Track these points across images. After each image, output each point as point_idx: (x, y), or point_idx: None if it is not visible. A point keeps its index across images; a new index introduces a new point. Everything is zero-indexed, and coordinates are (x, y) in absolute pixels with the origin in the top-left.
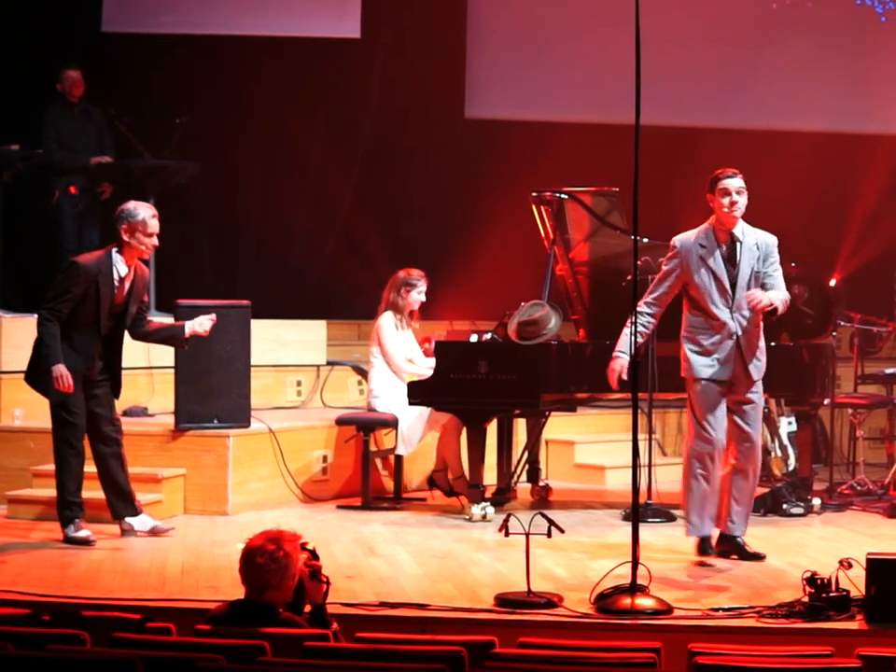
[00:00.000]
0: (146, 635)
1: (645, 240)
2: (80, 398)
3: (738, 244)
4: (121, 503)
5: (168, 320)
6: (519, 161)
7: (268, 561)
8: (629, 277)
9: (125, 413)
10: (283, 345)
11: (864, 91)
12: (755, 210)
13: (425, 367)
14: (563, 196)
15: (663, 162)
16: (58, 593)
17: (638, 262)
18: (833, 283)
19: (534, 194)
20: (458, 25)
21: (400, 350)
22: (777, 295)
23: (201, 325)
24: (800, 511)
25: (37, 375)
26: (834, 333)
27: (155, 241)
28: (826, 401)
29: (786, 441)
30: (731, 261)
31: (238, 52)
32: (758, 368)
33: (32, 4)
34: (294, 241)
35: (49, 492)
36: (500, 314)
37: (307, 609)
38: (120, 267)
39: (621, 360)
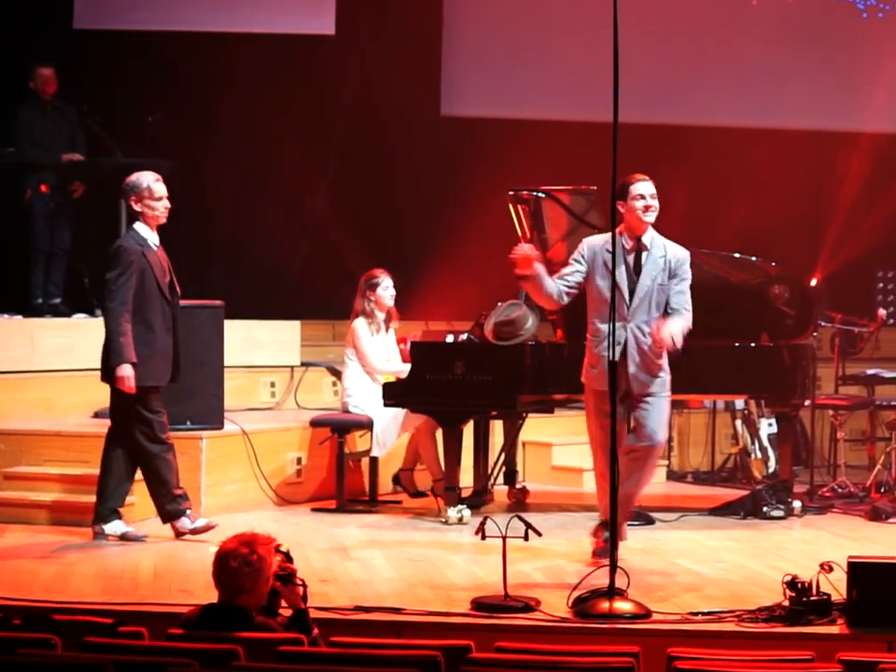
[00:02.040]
0: (117, 639)
1: None
2: (160, 393)
3: (644, 252)
4: (114, 507)
5: None
6: (496, 159)
7: (241, 565)
8: None
9: (97, 415)
10: (257, 346)
11: (846, 89)
12: (736, 208)
13: (403, 366)
14: (540, 195)
15: (641, 161)
16: (28, 596)
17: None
18: (813, 283)
19: (511, 193)
20: (434, 22)
21: (377, 351)
22: (677, 326)
23: None
24: (780, 513)
25: (111, 370)
26: (815, 334)
27: (166, 203)
28: (807, 403)
29: (766, 443)
30: (635, 270)
31: (211, 49)
32: (642, 382)
33: (3, 1)
34: (268, 240)
35: (20, 494)
36: (477, 314)
37: (287, 613)
38: (151, 236)
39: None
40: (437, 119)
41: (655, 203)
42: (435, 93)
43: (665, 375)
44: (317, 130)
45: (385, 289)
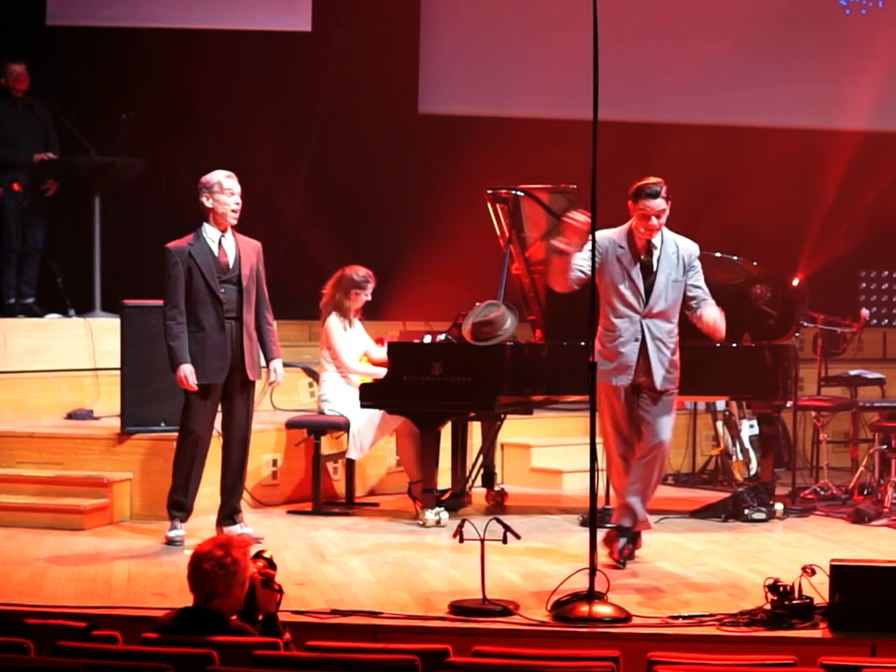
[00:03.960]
0: (91, 643)
1: None
2: (209, 403)
3: (655, 251)
4: (223, 512)
5: (115, 321)
6: (474, 157)
7: (215, 567)
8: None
9: (70, 416)
10: None
11: (828, 86)
12: (718, 207)
13: (378, 362)
14: (519, 193)
15: (622, 159)
16: (1, 600)
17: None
18: (796, 282)
19: (489, 191)
20: (412, 18)
21: (351, 350)
22: (716, 312)
23: (274, 379)
24: (762, 516)
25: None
26: (797, 334)
27: (237, 199)
28: (789, 404)
29: (747, 445)
30: (647, 269)
31: (186, 46)
32: (665, 379)
33: None
34: None
35: None
36: (455, 314)
37: (261, 617)
38: (212, 233)
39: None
40: (414, 116)
41: (660, 221)
42: (413, 91)
43: (677, 372)
44: (293, 128)
45: (367, 296)
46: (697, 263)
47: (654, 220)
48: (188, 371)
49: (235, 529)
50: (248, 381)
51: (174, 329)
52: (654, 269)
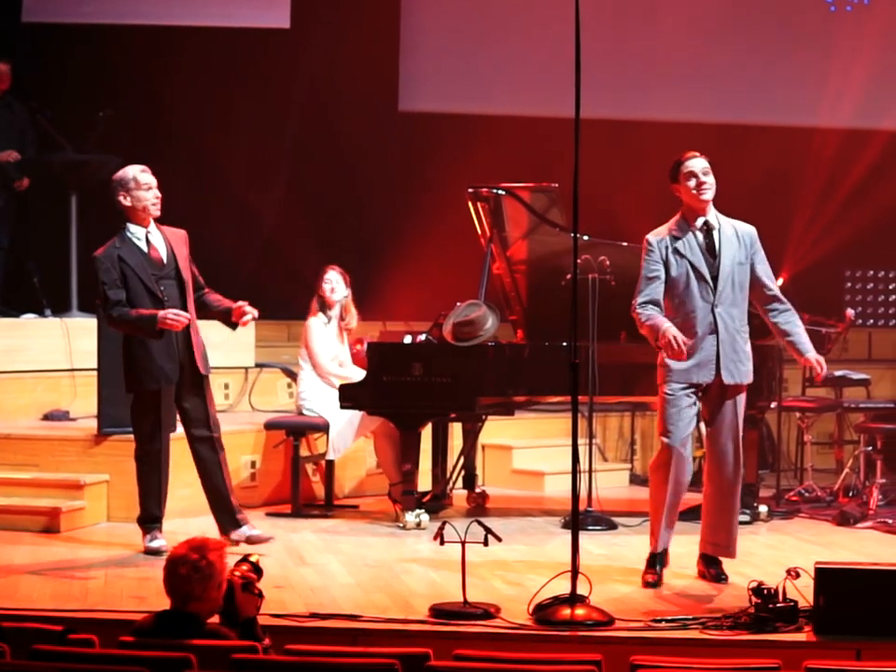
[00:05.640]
0: (67, 647)
1: (585, 238)
2: (164, 407)
3: (715, 231)
4: (223, 515)
5: (91, 321)
6: (455, 155)
7: (190, 571)
8: (568, 276)
9: (46, 417)
10: (210, 347)
11: (813, 84)
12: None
13: (352, 372)
14: (500, 192)
15: (604, 157)
16: None
17: (578, 261)
18: (780, 282)
19: (470, 190)
20: (392, 15)
21: (326, 351)
22: (808, 345)
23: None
24: (746, 518)
25: (130, 380)
26: None
27: (156, 192)
28: (773, 405)
29: None
30: (710, 252)
31: (163, 43)
32: (739, 371)
33: None
34: (221, 238)
35: None
36: (435, 314)
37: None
38: (137, 231)
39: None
40: (394, 114)
41: (709, 179)
42: (393, 88)
43: (750, 364)
44: (271, 126)
45: (327, 283)
46: (760, 246)
47: (703, 176)
48: (165, 313)
49: (244, 531)
50: (200, 377)
51: (124, 311)
52: (718, 250)
